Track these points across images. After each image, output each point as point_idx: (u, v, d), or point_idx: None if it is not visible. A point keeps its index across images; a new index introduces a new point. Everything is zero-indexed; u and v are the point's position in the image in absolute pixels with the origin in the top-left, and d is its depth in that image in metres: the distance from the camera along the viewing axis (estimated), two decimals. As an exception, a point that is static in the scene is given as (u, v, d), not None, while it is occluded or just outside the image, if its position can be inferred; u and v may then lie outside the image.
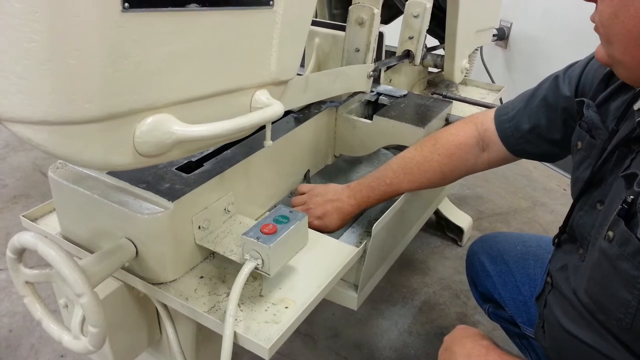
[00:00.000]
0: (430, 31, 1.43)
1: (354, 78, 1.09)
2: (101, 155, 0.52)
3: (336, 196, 0.95)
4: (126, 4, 0.46)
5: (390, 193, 0.95)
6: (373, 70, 1.12)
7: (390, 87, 1.28)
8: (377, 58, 1.18)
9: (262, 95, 0.67)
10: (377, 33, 1.10)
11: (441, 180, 0.97)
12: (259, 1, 0.60)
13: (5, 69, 0.43)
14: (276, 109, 0.64)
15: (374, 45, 1.11)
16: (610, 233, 0.59)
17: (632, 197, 0.57)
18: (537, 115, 0.86)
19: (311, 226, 0.89)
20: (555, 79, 0.85)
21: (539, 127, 0.86)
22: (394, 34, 1.35)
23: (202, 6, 0.53)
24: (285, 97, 0.73)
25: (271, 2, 0.61)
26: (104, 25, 0.45)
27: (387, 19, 1.51)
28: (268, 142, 0.72)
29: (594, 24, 0.60)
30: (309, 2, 0.69)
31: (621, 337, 0.60)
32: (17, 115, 0.45)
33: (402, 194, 0.95)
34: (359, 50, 1.11)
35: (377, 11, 1.07)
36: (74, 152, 0.50)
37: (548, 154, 0.90)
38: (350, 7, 1.09)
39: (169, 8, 0.50)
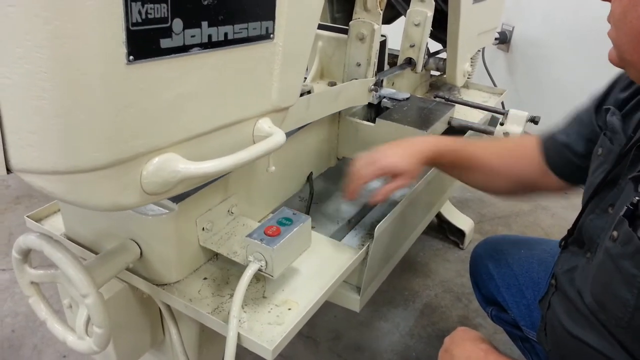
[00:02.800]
0: (433, 35, 1.44)
1: (356, 93, 1.10)
2: (111, 199, 0.53)
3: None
4: (131, 57, 0.46)
5: (460, 151, 0.91)
6: (374, 84, 1.13)
7: (393, 90, 1.28)
8: (379, 65, 1.19)
9: (265, 124, 0.67)
10: (378, 48, 1.11)
11: (494, 172, 0.91)
12: (260, 36, 0.60)
13: (17, 125, 0.44)
14: (277, 139, 0.64)
15: (374, 59, 1.12)
16: (615, 233, 0.60)
17: (637, 198, 0.57)
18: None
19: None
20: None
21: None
22: (397, 35, 1.36)
23: (205, 49, 0.53)
24: (287, 120, 0.74)
25: (272, 36, 0.62)
26: (110, 79, 0.46)
27: (389, 19, 1.52)
28: (271, 169, 0.73)
29: (608, 28, 0.61)
30: (308, 30, 0.69)
31: (618, 336, 0.61)
32: (29, 166, 0.46)
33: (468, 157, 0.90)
34: (360, 65, 1.12)
35: (378, 27, 1.07)
36: (85, 198, 0.51)
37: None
38: (350, 23, 1.10)
39: (172, 55, 0.50)
